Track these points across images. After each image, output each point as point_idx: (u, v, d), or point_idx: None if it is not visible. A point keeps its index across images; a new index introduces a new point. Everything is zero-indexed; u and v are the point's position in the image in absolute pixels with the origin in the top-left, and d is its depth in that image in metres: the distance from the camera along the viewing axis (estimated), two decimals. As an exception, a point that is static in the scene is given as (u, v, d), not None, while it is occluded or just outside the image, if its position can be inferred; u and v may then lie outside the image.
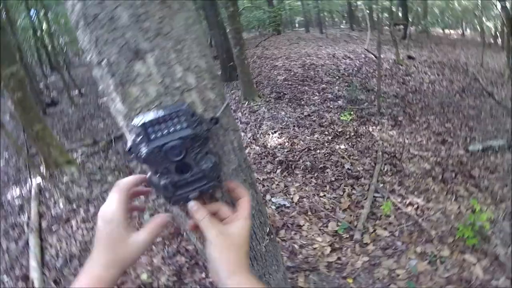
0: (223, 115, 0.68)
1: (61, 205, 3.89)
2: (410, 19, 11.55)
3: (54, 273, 2.94)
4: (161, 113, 0.53)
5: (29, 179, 4.72)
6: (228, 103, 0.71)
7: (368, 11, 11.51)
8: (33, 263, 3.02)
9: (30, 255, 3.13)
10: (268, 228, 1.00)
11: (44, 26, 12.03)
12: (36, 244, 3.27)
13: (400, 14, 15.25)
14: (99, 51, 0.57)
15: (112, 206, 0.57)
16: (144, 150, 0.53)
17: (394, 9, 17.29)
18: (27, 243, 3.37)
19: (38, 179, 4.55)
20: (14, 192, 4.69)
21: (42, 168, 4.74)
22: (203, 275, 2.46)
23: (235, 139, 0.73)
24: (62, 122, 8.04)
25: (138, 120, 0.53)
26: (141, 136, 0.53)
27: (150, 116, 0.53)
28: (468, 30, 17.67)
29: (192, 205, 0.60)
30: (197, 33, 0.62)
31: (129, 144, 0.56)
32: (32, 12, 11.35)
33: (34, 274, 2.90)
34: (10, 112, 5.22)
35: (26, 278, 2.94)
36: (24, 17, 12.15)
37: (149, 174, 0.59)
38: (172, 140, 0.53)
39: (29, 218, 3.80)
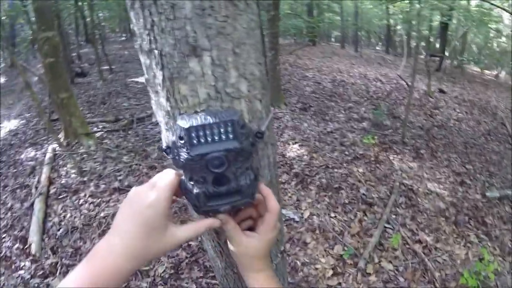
0: (266, 128, 0.64)
1: (73, 176, 3.93)
2: (447, 53, 11.29)
3: (53, 240, 2.96)
4: (210, 119, 0.49)
5: (46, 144, 4.80)
6: (272, 115, 0.67)
7: (406, 37, 11.33)
8: (34, 227, 3.05)
9: (33, 218, 3.17)
10: (283, 247, 0.96)
11: (87, -3, 12.29)
12: (41, 208, 3.31)
13: (437, 46, 14.97)
14: (153, 39, 0.53)
15: (156, 191, 0.51)
16: (184, 155, 0.50)
17: (432, 39, 17.01)
18: (31, 205, 3.41)
19: (55, 145, 4.61)
20: (28, 153, 4.77)
21: (61, 136, 4.81)
22: (201, 273, 2.43)
23: (272, 154, 0.69)
24: (88, 94, 8.17)
25: (184, 122, 0.50)
26: (184, 140, 0.49)
27: (197, 120, 0.49)
28: (503, 73, 17.21)
29: (222, 217, 0.58)
30: (257, 38, 0.58)
31: (165, 143, 0.53)
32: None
33: (33, 238, 2.93)
34: (40, 75, 5.31)
35: (24, 240, 2.97)
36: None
37: (182, 178, 0.55)
38: (217, 150, 0.49)
39: (38, 181, 3.85)
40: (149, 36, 0.54)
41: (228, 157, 0.49)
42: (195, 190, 0.52)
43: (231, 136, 0.50)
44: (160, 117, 0.62)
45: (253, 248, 0.60)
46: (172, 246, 0.54)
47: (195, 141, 0.49)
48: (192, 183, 0.53)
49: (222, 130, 0.49)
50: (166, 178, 0.53)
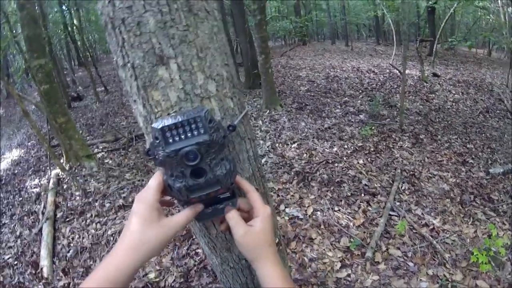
0: (241, 123, 0.68)
1: (77, 198, 3.98)
2: (437, 36, 11.32)
3: (63, 262, 3.01)
4: (180, 118, 0.54)
5: (49, 170, 4.86)
6: (246, 112, 0.71)
7: (394, 26, 11.38)
8: (44, 251, 3.10)
9: (42, 243, 3.22)
10: (277, 239, 0.99)
11: (75, 22, 12.44)
12: (49, 233, 3.36)
13: (427, 30, 15.02)
14: (125, 54, 0.59)
15: (147, 189, 0.59)
16: (161, 153, 0.54)
17: (421, 25, 17.06)
18: (40, 231, 3.46)
19: (57, 170, 4.67)
20: (32, 181, 4.83)
21: (62, 160, 4.87)
22: (210, 279, 2.46)
23: (250, 148, 0.73)
24: (86, 117, 8.26)
25: (158, 124, 0.54)
26: (159, 140, 0.54)
27: (169, 120, 0.54)
28: (495, 50, 17.20)
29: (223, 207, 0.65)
30: (221, 42, 0.63)
31: (147, 146, 0.57)
32: (64, 7, 11.74)
33: (44, 262, 2.98)
34: (36, 102, 5.40)
35: (36, 265, 3.02)
36: (56, 11, 12.58)
37: (165, 176, 0.59)
38: (189, 145, 0.53)
39: (44, 207, 3.90)
40: (121, 52, 0.60)
41: (200, 150, 0.54)
42: (177, 185, 0.57)
43: (202, 131, 0.54)
44: (141, 123, 0.67)
45: (256, 236, 0.63)
46: (167, 235, 0.58)
47: (170, 140, 0.54)
48: (173, 178, 0.57)
49: (193, 126, 0.54)
50: (154, 177, 0.60)
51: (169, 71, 0.57)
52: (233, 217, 0.64)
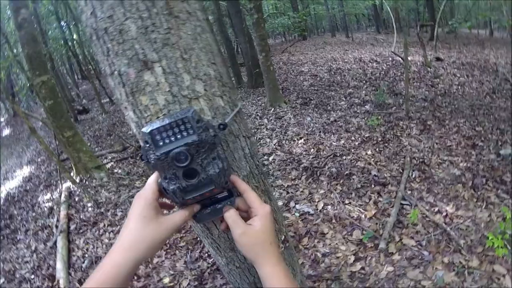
0: (233, 121, 0.68)
1: (90, 209, 4.03)
2: (437, 20, 11.17)
3: (79, 274, 3.05)
4: (167, 120, 0.54)
5: (60, 183, 4.93)
6: (239, 109, 0.71)
7: (393, 13, 11.25)
8: (60, 264, 3.15)
9: (57, 255, 3.27)
10: (283, 236, 0.98)
11: (75, 36, 12.59)
12: (64, 245, 3.41)
13: (427, 15, 14.84)
14: (111, 63, 0.60)
15: (146, 187, 0.60)
16: (152, 156, 0.55)
17: (420, 10, 16.86)
18: (55, 244, 3.51)
19: (68, 184, 4.73)
20: (44, 196, 4.90)
21: (72, 173, 4.93)
22: (224, 280, 2.46)
23: (246, 146, 0.73)
24: (93, 128, 8.36)
25: (146, 128, 0.54)
26: (149, 143, 0.54)
27: (157, 123, 0.54)
28: (496, 29, 16.91)
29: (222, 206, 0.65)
30: (206, 41, 0.63)
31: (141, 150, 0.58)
32: (63, 23, 11.90)
33: (60, 274, 3.02)
34: (43, 118, 5.49)
35: (52, 277, 3.06)
36: (55, 28, 12.74)
37: (159, 180, 0.60)
38: (178, 146, 0.54)
39: (58, 220, 3.96)
40: (107, 61, 0.60)
41: (190, 150, 0.54)
42: (171, 187, 0.57)
43: (190, 131, 0.54)
44: (134, 129, 0.67)
45: (255, 235, 0.62)
46: (163, 233, 0.59)
47: (160, 143, 0.54)
48: (167, 181, 0.57)
49: (181, 127, 0.54)
50: (152, 177, 0.61)
51: (154, 75, 0.58)
52: (230, 216, 0.63)
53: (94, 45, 0.61)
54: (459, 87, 7.35)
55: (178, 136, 0.54)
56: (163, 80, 0.58)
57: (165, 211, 0.64)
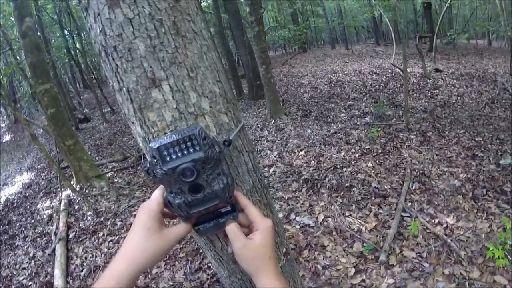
0: (237, 137, 0.70)
1: (89, 218, 4.02)
2: (435, 31, 11.30)
3: (77, 282, 3.03)
4: (175, 137, 0.56)
5: (60, 191, 4.92)
6: (242, 126, 0.72)
7: (392, 25, 11.39)
8: (58, 271, 3.13)
9: (56, 263, 3.25)
10: (284, 249, 0.99)
11: (78, 45, 12.71)
12: (62, 253, 3.40)
13: (425, 27, 15.02)
14: (119, 79, 0.61)
15: (152, 199, 0.62)
16: (159, 171, 0.56)
17: (419, 21, 17.05)
18: (53, 251, 3.50)
19: (68, 192, 4.73)
20: (44, 203, 4.89)
21: (73, 181, 4.93)
22: (223, 292, 2.45)
23: (249, 161, 0.74)
24: (94, 137, 8.38)
25: (154, 143, 0.56)
26: (157, 158, 0.56)
27: (165, 139, 0.56)
28: (494, 39, 17.07)
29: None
30: (211, 60, 0.65)
31: (148, 165, 0.59)
32: (66, 32, 12.03)
33: (58, 282, 3.01)
34: (44, 126, 5.52)
35: (50, 285, 3.04)
36: (59, 37, 12.88)
37: (165, 194, 0.61)
38: (185, 162, 0.55)
39: (57, 228, 3.95)
40: (116, 77, 0.62)
41: (196, 166, 0.56)
42: (176, 201, 0.59)
43: (197, 148, 0.56)
44: (140, 143, 0.69)
45: (255, 249, 0.63)
46: (166, 245, 0.60)
47: (167, 158, 0.56)
48: (172, 195, 0.59)
49: (188, 144, 0.56)
50: (158, 189, 0.63)
51: (162, 92, 0.59)
52: (232, 229, 0.64)
53: (103, 62, 0.63)
54: (459, 97, 7.40)
55: (185, 152, 0.56)
56: (170, 97, 0.60)
57: (166, 222, 0.65)
